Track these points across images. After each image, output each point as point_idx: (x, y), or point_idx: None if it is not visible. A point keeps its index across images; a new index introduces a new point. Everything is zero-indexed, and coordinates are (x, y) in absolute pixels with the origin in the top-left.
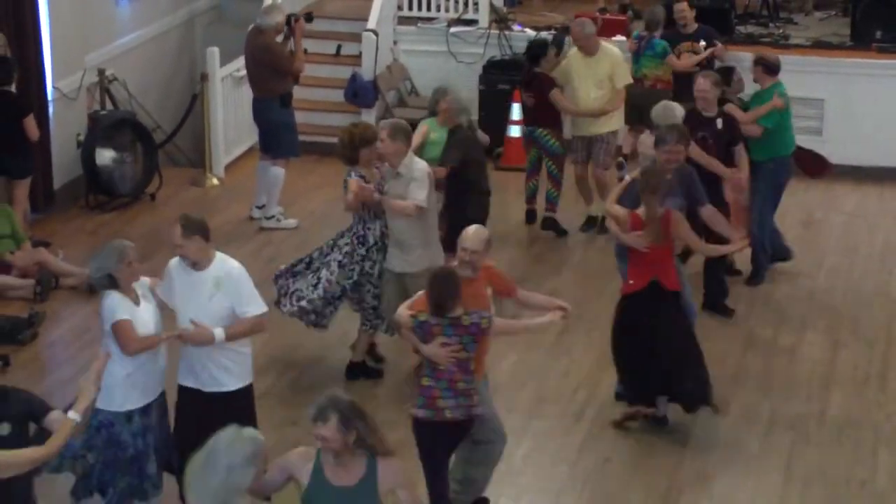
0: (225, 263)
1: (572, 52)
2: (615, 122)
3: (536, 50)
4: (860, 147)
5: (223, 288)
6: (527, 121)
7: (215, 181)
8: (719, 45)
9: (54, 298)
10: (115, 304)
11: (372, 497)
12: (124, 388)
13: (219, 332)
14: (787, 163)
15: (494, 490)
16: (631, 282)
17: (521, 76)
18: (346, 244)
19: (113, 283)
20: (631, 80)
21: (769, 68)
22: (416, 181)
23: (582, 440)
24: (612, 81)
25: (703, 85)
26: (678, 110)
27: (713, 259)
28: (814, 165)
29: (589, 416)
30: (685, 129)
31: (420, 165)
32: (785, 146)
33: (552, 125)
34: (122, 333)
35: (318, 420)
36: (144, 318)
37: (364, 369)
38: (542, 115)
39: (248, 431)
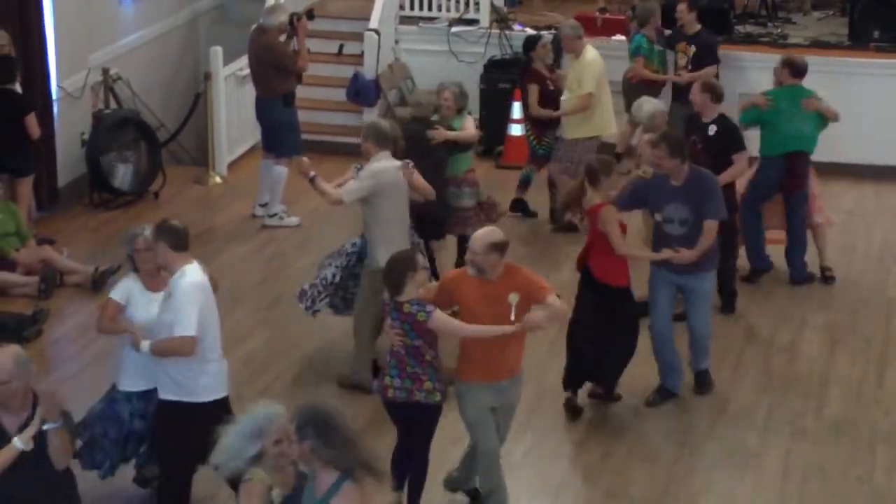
0: (182, 278)
1: None
2: (586, 129)
3: (527, 44)
4: (858, 146)
5: (168, 301)
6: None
7: (218, 179)
8: (684, 74)
9: (58, 296)
10: (119, 284)
11: None
12: (127, 368)
13: (145, 344)
14: (769, 164)
15: None
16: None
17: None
18: (356, 237)
19: (134, 265)
20: (591, 89)
21: (795, 71)
22: (356, 178)
23: (581, 436)
24: (580, 86)
25: (693, 90)
26: (646, 106)
27: (725, 264)
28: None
29: (588, 413)
30: (675, 136)
31: (372, 166)
32: (768, 147)
33: (534, 123)
34: (101, 310)
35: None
36: (152, 306)
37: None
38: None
39: (267, 409)
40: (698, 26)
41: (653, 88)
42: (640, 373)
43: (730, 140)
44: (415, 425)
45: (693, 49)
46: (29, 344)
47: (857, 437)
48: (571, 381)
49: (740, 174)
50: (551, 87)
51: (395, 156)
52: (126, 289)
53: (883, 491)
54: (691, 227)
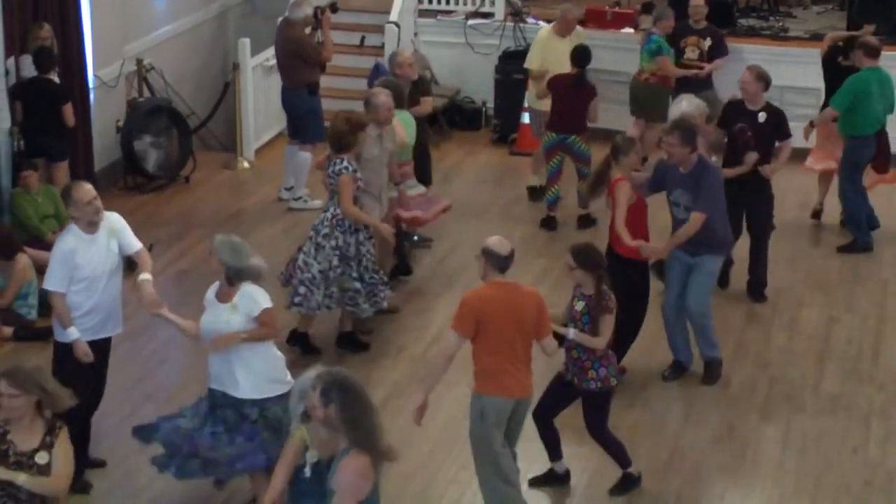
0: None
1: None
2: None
3: (587, 54)
4: None
5: None
6: (560, 127)
7: (246, 164)
8: (717, 62)
9: None
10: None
11: (327, 482)
12: None
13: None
14: (867, 142)
15: None
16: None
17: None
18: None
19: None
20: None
21: (869, 52)
22: None
23: None
24: None
25: (746, 77)
26: (683, 104)
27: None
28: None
29: None
30: (688, 125)
31: None
32: (865, 126)
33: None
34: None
35: (312, 388)
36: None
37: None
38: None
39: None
40: (706, 22)
41: (657, 86)
42: (646, 347)
43: (781, 125)
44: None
45: (709, 42)
46: None
47: (853, 411)
48: None
49: (787, 158)
50: None
51: None
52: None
53: (877, 462)
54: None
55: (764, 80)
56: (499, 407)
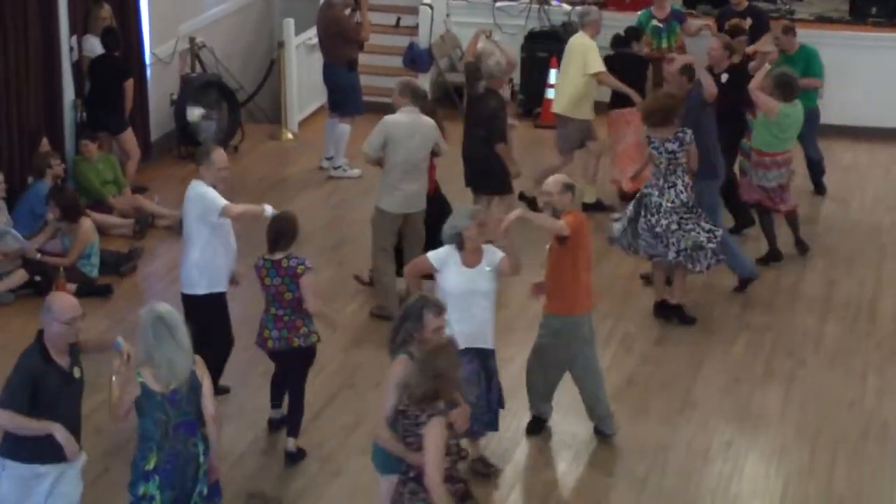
0: None
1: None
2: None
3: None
4: (856, 109)
5: None
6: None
7: (290, 135)
8: (764, 40)
9: (150, 237)
10: (441, 249)
11: None
12: None
13: None
14: None
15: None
16: None
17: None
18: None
19: (461, 240)
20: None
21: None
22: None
23: (609, 363)
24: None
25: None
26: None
27: None
28: None
29: (614, 343)
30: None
31: (387, 117)
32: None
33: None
34: (413, 264)
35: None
36: (463, 277)
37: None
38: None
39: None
40: (746, 2)
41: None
42: (649, 306)
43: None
44: (292, 368)
45: (749, 21)
46: (125, 278)
47: (851, 367)
48: None
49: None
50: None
51: (424, 112)
52: (446, 256)
53: (873, 414)
54: None
55: (728, 48)
56: (588, 321)
